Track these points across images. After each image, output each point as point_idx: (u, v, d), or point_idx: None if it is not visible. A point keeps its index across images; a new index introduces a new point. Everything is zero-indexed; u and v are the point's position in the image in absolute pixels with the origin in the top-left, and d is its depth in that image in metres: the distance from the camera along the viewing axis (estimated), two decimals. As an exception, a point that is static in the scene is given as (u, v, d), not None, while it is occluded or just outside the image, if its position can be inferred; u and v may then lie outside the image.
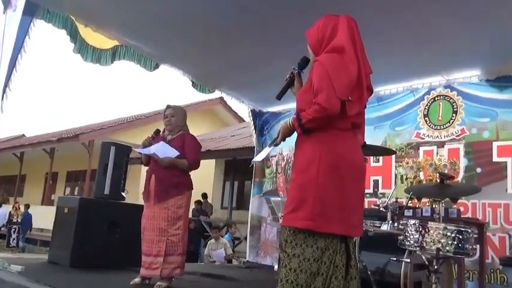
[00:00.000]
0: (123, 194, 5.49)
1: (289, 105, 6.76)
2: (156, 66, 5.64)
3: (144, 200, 4.08)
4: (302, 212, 2.10)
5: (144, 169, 4.30)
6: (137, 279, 3.92)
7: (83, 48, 4.99)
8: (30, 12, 4.47)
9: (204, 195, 13.39)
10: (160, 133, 4.24)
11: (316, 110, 2.09)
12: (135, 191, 7.70)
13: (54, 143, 16.26)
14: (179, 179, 4.00)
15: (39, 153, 17.73)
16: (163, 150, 3.94)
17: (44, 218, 13.67)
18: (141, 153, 4.10)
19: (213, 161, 14.34)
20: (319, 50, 2.31)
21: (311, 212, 2.08)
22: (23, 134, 28.06)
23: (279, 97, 2.50)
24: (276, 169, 7.14)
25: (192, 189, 4.12)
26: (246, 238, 8.12)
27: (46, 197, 18.57)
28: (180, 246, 3.95)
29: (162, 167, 3.95)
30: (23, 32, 4.45)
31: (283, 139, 2.36)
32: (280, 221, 4.85)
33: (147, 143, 4.06)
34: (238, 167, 13.48)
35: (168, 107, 4.21)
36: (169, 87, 75.96)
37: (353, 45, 2.24)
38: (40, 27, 4.62)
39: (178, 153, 3.94)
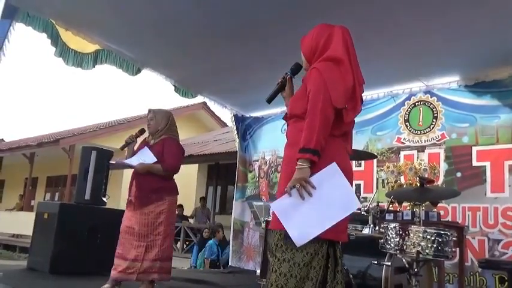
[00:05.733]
0: (104, 199, 5.43)
1: (272, 111, 6.78)
2: (138, 71, 5.60)
3: (126, 205, 4.04)
4: None
5: (126, 174, 4.26)
6: (107, 286, 3.81)
7: (64, 52, 4.92)
8: (10, 15, 4.41)
9: (203, 199, 13.10)
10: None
11: (313, 121, 2.07)
12: (116, 196, 7.63)
13: (33, 147, 15.97)
14: (159, 184, 3.94)
15: (19, 158, 17.40)
16: (142, 157, 3.94)
17: (23, 223, 13.42)
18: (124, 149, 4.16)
19: (196, 165, 14.26)
20: (312, 58, 2.32)
21: None
22: (2, 139, 27.51)
23: (269, 101, 2.50)
24: (259, 173, 7.12)
25: (176, 194, 4.07)
26: (229, 243, 8.09)
27: (25, 203, 18.22)
28: (157, 251, 3.85)
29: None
30: (2, 35, 4.39)
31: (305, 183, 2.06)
32: (263, 225, 4.87)
33: (130, 141, 4.13)
34: (221, 171, 13.42)
35: (149, 111, 4.19)
36: (152, 92, 75.57)
37: (348, 55, 2.25)
38: (20, 30, 4.57)
39: (155, 160, 3.91)
